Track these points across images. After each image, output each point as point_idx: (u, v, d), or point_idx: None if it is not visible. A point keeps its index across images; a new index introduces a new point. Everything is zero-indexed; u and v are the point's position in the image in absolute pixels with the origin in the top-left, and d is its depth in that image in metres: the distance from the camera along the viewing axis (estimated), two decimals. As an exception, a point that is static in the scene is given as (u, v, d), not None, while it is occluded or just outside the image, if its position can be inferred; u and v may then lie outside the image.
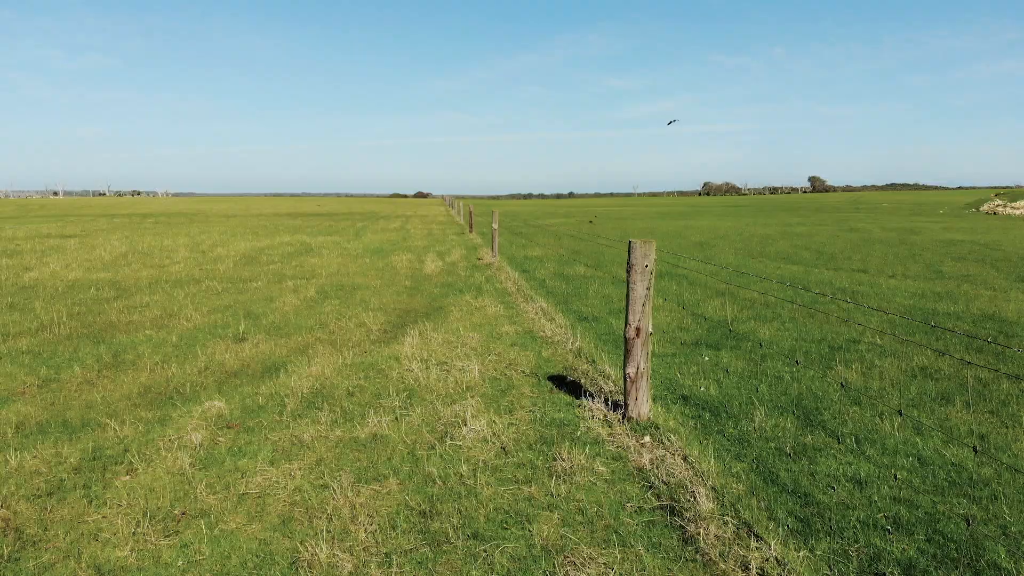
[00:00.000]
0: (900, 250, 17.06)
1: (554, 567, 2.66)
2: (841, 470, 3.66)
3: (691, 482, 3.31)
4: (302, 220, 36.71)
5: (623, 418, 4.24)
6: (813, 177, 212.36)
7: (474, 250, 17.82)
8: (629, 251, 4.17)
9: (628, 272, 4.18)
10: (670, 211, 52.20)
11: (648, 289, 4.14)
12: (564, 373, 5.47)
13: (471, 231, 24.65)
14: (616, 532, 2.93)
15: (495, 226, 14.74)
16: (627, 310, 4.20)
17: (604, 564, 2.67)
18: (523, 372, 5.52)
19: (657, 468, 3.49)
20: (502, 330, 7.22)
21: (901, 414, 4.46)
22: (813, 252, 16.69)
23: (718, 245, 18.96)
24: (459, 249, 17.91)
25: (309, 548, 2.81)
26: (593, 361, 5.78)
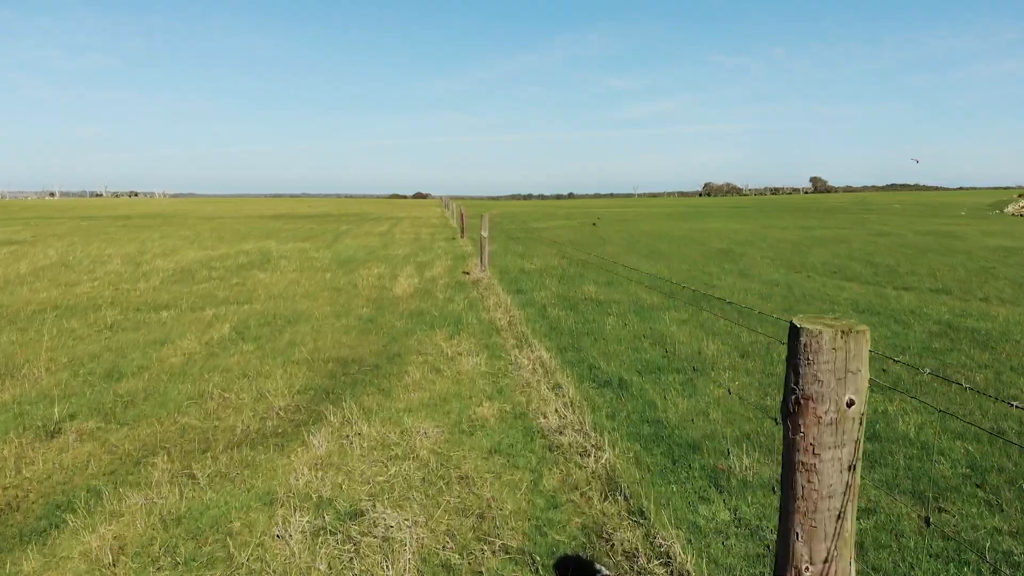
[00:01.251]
0: (960, 260, 14.37)
1: None
2: None
3: None
4: (284, 223, 33.98)
5: None
6: (814, 178, 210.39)
7: (462, 260, 15.11)
8: (793, 355, 1.47)
9: (790, 414, 1.47)
10: (675, 212, 49.45)
11: (851, 469, 1.43)
12: (588, 553, 2.76)
13: (462, 236, 21.94)
14: None
15: (484, 234, 12.04)
16: (782, 539, 1.48)
17: None
18: (504, 548, 2.80)
19: None
20: (478, 412, 4.51)
21: None
22: (864, 264, 13.98)
23: (746, 254, 16.25)
24: (445, 259, 15.20)
25: None
26: (641, 514, 3.06)
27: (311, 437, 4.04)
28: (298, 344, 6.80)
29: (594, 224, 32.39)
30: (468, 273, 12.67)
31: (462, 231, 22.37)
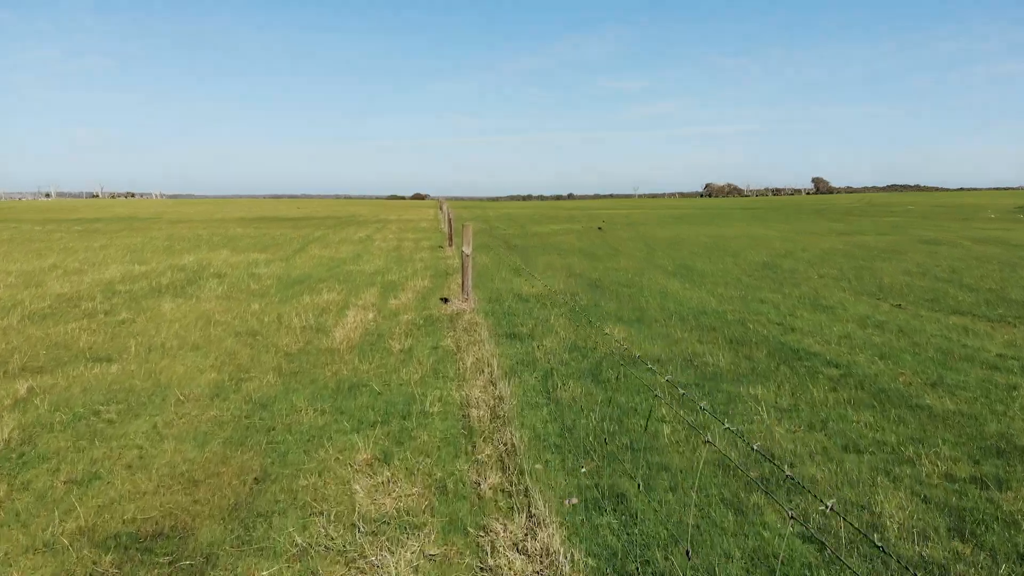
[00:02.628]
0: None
1: None
2: None
3: None
4: (256, 227, 30.85)
5: None
6: (817, 178, 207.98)
7: (444, 279, 11.98)
8: None
9: None
10: (683, 215, 46.30)
11: None
12: None
13: (450, 245, 18.80)
14: None
15: (467, 250, 8.88)
16: None
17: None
18: None
19: None
20: None
21: None
22: (957, 286, 10.86)
23: (798, 270, 13.11)
24: (422, 278, 12.06)
25: None
26: None
27: None
28: (95, 478, 3.65)
29: (600, 228, 29.28)
30: (447, 301, 9.53)
31: (450, 239, 19.23)
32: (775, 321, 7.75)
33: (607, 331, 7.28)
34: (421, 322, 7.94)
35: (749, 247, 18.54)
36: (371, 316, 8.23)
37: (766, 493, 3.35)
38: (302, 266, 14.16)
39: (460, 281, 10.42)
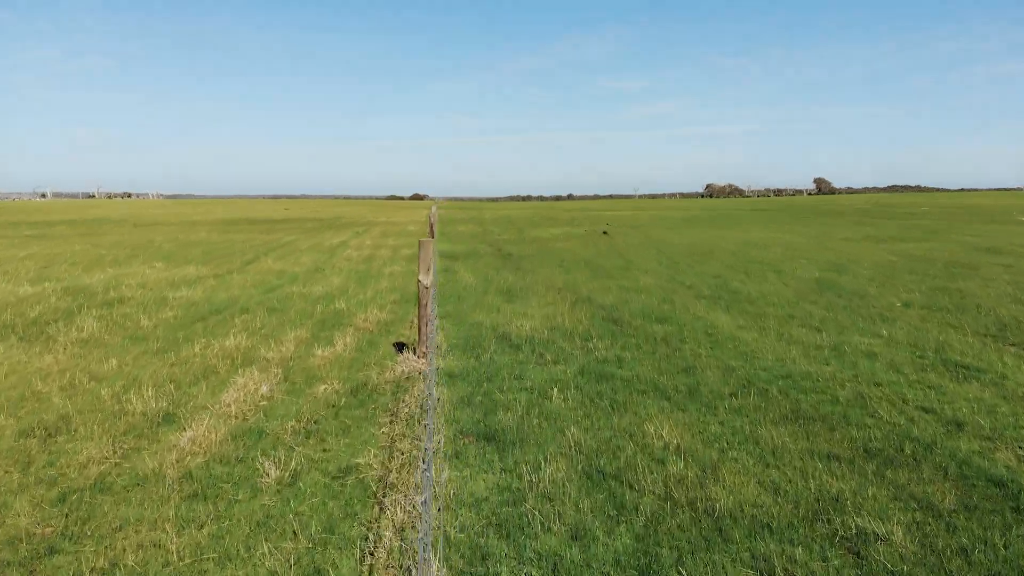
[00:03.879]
0: None
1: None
2: None
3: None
4: (224, 232, 27.90)
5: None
6: (818, 179, 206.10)
7: (410, 306, 9.04)
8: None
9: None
10: (690, 216, 43.32)
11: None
12: None
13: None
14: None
15: (425, 281, 5.91)
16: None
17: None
18: None
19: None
20: None
21: None
22: (1107, 320, 7.92)
23: (867, 292, 10.16)
24: (378, 307, 9.09)
25: None
26: None
27: None
28: None
29: (605, 232, 26.31)
30: (402, 349, 6.60)
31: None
32: (916, 403, 4.78)
33: (649, 428, 4.32)
34: (343, 401, 4.97)
35: (786, 258, 15.56)
36: (266, 388, 5.24)
37: None
38: (236, 286, 11.18)
39: (428, 318, 7.40)
